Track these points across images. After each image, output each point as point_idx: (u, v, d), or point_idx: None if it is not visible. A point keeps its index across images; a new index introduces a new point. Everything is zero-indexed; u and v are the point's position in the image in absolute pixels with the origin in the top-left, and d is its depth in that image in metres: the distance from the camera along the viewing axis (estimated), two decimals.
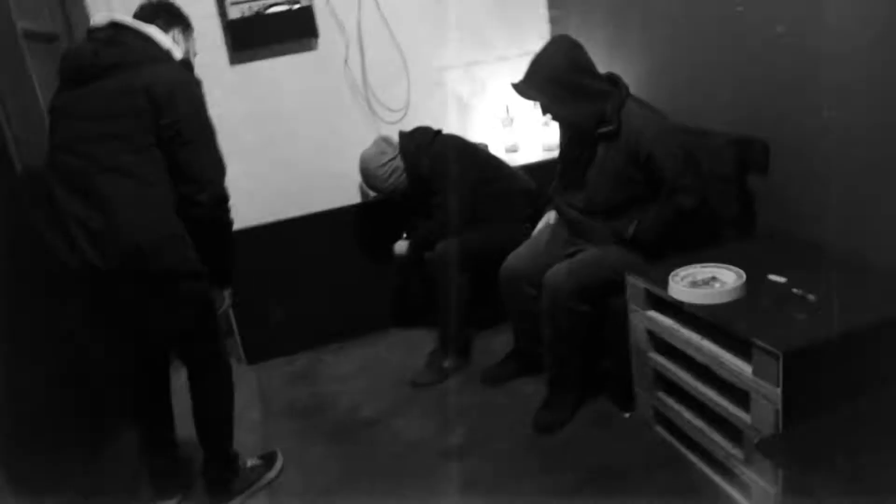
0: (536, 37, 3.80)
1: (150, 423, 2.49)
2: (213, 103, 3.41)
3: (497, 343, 3.22)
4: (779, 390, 1.86)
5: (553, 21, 3.80)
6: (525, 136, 3.79)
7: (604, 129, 2.55)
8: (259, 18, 3.39)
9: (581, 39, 2.58)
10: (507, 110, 3.76)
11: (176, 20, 2.35)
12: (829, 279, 2.15)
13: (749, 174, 2.63)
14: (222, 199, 2.19)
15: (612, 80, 2.62)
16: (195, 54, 2.46)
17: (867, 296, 2.05)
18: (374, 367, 3.29)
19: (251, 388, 3.30)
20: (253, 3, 3.37)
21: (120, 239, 2.02)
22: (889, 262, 2.15)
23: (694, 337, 2.20)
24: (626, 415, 2.64)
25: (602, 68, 2.63)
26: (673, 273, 2.28)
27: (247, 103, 3.55)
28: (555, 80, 2.49)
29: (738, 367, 2.01)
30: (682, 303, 2.20)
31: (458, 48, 3.74)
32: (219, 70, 3.48)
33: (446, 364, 3.08)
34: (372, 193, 3.43)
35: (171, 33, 2.29)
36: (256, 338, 3.48)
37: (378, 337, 3.57)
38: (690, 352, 2.22)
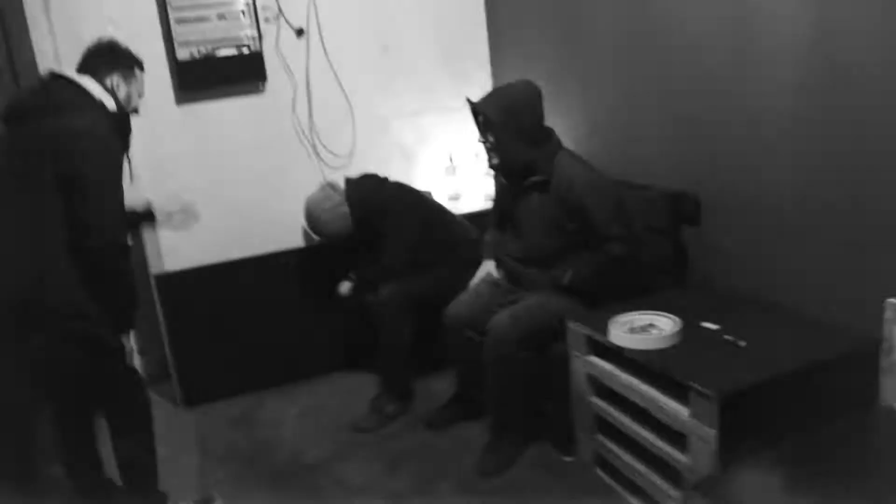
0: (479, 89, 3.91)
1: (76, 464, 2.46)
2: (158, 142, 3.45)
3: (438, 387, 3.25)
4: (714, 432, 1.96)
5: (495, 75, 3.94)
6: (468, 184, 3.89)
7: (535, 179, 2.67)
8: (208, 60, 3.41)
9: None
10: (451, 159, 3.86)
11: (117, 64, 2.36)
12: (758, 326, 2.29)
13: (681, 226, 2.77)
14: (114, 246, 2.18)
15: (546, 132, 2.75)
16: (140, 95, 2.49)
17: (794, 341, 2.19)
18: (317, 412, 3.27)
19: (189, 431, 3.23)
20: (202, 45, 3.39)
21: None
22: (812, 312, 2.30)
23: (633, 381, 2.29)
24: (568, 458, 2.70)
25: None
26: (612, 319, 2.37)
27: (192, 143, 3.54)
28: (511, 112, 2.62)
29: (676, 409, 2.10)
30: (621, 348, 2.30)
31: (403, 97, 3.84)
32: (165, 109, 3.47)
33: (389, 408, 3.09)
34: (316, 238, 3.45)
35: (110, 78, 2.32)
36: (194, 380, 3.42)
37: (320, 381, 3.55)
38: (630, 395, 2.31)
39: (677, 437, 2.13)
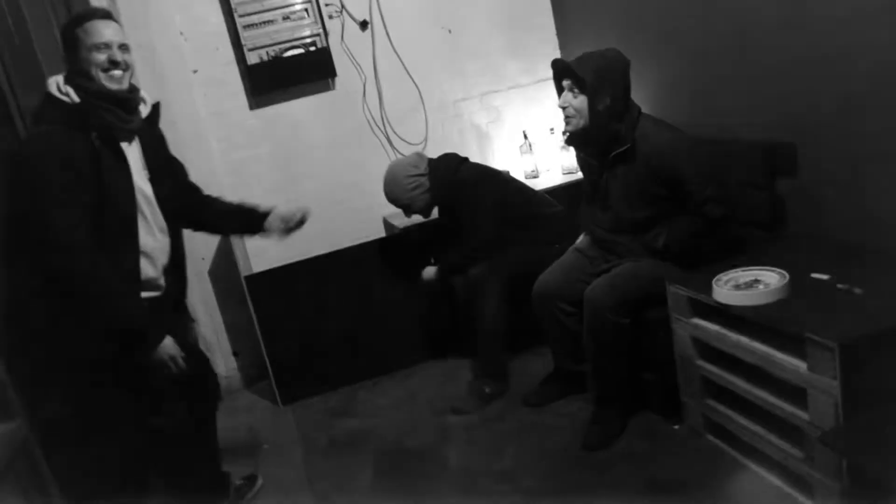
0: (547, 65, 3.85)
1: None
2: (236, 147, 3.52)
3: (534, 364, 3.20)
4: (837, 383, 1.86)
5: (563, 47, 3.86)
6: (544, 160, 3.83)
7: (618, 150, 2.59)
8: (277, 62, 3.45)
9: None
10: (525, 136, 3.80)
11: (65, 46, 2.11)
12: (872, 273, 2.16)
13: (777, 177, 2.66)
14: (69, 273, 2.02)
15: (631, 104, 2.66)
16: (99, 46, 2.07)
17: None
18: (413, 399, 3.27)
19: (289, 427, 3.28)
20: (270, 48, 3.44)
21: None
22: None
23: (743, 339, 2.20)
24: (675, 426, 2.62)
25: None
26: (716, 278, 2.29)
27: (268, 146, 3.61)
28: (605, 76, 2.53)
29: (793, 364, 2.01)
30: (728, 306, 2.21)
31: (471, 79, 3.81)
32: (240, 115, 3.55)
33: (487, 390, 3.07)
34: (391, 221, 3.43)
35: (70, 63, 2.10)
36: (290, 378, 3.47)
37: (412, 370, 3.55)
38: (740, 355, 2.22)
39: (795, 394, 2.04)
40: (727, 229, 2.59)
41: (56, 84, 2.08)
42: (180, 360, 2.18)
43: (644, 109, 2.70)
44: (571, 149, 3.67)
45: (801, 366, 1.98)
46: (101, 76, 2.07)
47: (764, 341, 2.15)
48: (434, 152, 3.56)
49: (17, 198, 2.04)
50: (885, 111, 2.21)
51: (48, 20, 3.05)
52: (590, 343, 2.59)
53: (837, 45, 2.30)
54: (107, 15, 2.14)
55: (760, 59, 2.63)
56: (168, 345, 2.15)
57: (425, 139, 3.76)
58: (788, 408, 2.08)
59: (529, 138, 3.81)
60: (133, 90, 2.19)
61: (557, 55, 3.87)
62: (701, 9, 2.85)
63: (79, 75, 2.07)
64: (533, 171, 3.80)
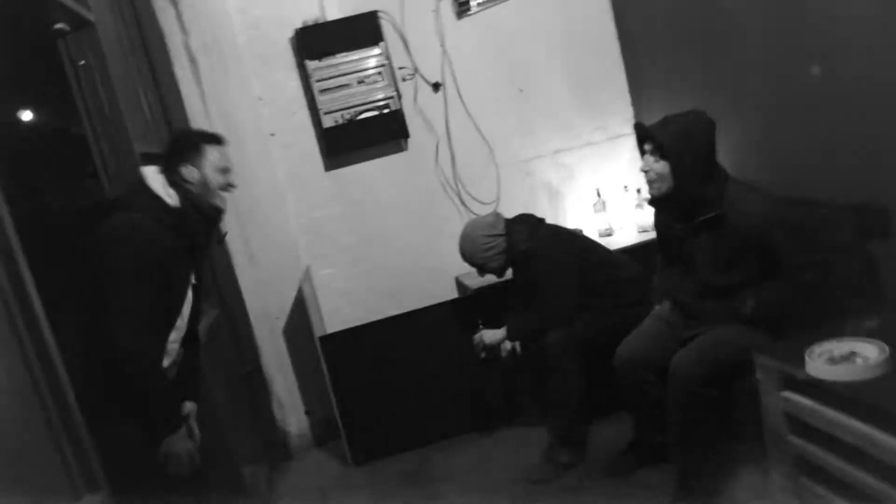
0: (621, 121, 3.84)
1: None
2: (311, 207, 3.58)
3: (612, 433, 3.10)
4: None
5: (636, 104, 3.82)
6: (618, 218, 3.77)
7: (707, 215, 2.51)
8: (351, 125, 3.51)
9: None
10: (599, 194, 3.76)
11: (182, 152, 2.27)
12: None
13: (870, 240, 2.54)
14: (122, 353, 2.07)
15: (718, 166, 2.60)
16: (225, 170, 2.30)
17: None
18: (487, 466, 3.20)
19: (361, 488, 3.25)
20: (345, 112, 3.50)
21: None
22: None
23: (840, 417, 2.08)
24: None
25: None
26: (808, 350, 2.17)
27: (342, 206, 3.66)
28: (688, 140, 2.48)
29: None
30: (822, 381, 2.09)
31: (543, 137, 3.80)
32: (315, 177, 3.61)
33: (563, 458, 2.98)
34: (463, 281, 3.41)
35: (180, 170, 2.23)
36: (362, 438, 3.44)
37: (485, 435, 3.47)
38: (836, 433, 2.09)
39: None
40: (818, 296, 2.48)
41: (162, 184, 2.22)
42: (186, 459, 2.16)
43: (730, 167, 2.63)
44: (646, 206, 3.63)
45: None
46: (218, 195, 2.27)
47: (864, 419, 2.02)
48: (506, 211, 3.54)
49: (98, 274, 2.12)
50: None
51: (138, 99, 3.20)
52: (676, 415, 2.49)
53: None
54: (224, 141, 2.36)
55: (846, 113, 2.54)
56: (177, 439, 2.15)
57: (497, 198, 3.75)
58: (891, 492, 1.94)
59: (603, 196, 3.76)
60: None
61: (630, 112, 3.84)
62: (781, 63, 2.78)
63: (190, 184, 2.22)
64: (607, 229, 3.74)
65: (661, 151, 2.53)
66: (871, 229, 2.51)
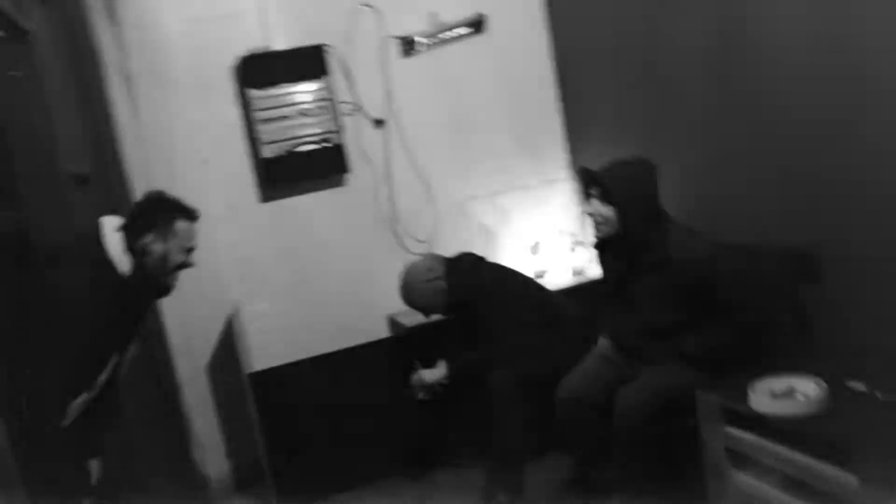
0: (556, 166, 3.93)
1: None
2: (243, 241, 3.48)
3: (547, 473, 3.08)
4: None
5: (573, 151, 3.92)
6: (553, 261, 3.82)
7: (651, 258, 2.59)
8: (291, 157, 3.45)
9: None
10: (534, 238, 3.81)
11: (154, 221, 2.18)
12: None
13: (802, 284, 2.65)
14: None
15: (661, 210, 2.69)
16: (190, 248, 2.25)
17: None
18: None
19: None
20: (285, 143, 3.44)
21: None
22: None
23: (783, 450, 2.14)
24: None
25: None
26: (751, 385, 2.24)
27: (276, 240, 3.56)
28: (634, 185, 2.58)
29: (840, 477, 1.94)
30: (767, 416, 2.15)
31: (481, 179, 3.84)
32: (249, 208, 3.52)
33: (502, 498, 2.93)
34: (398, 320, 3.36)
35: (144, 237, 2.14)
36: (291, 480, 3.29)
37: (419, 477, 3.38)
38: (780, 466, 2.15)
39: None
40: (755, 336, 2.57)
41: (119, 246, 2.10)
42: None
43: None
44: (580, 249, 3.71)
45: (852, 480, 1.91)
46: (171, 272, 2.21)
47: (804, 452, 2.09)
48: (442, 250, 3.53)
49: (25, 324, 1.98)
50: None
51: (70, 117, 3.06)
52: (620, 450, 2.51)
53: (863, 151, 2.36)
54: (194, 216, 2.27)
55: (785, 162, 2.68)
56: None
57: (433, 237, 3.74)
58: None
59: (538, 239, 3.81)
60: None
61: (565, 158, 3.94)
62: (723, 111, 2.91)
63: (150, 256, 2.14)
64: (541, 271, 3.78)
65: (607, 196, 2.61)
66: (803, 274, 2.63)
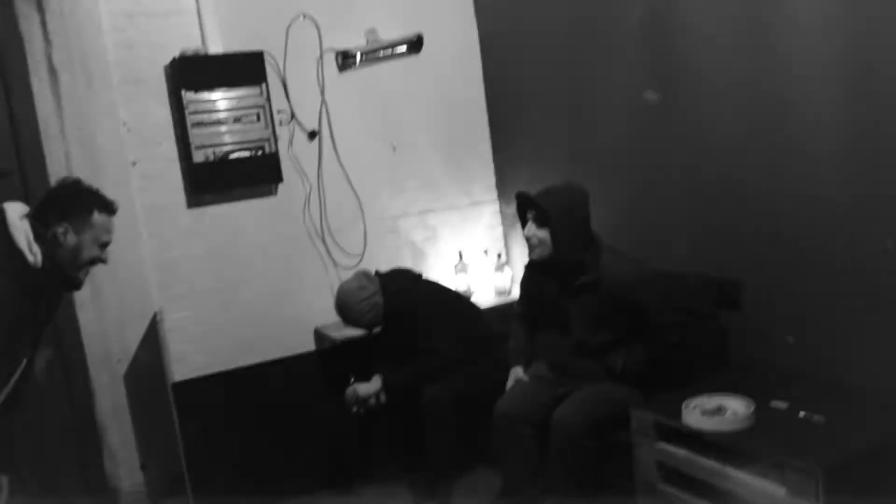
0: (483, 188, 4.04)
1: None
2: (168, 245, 3.36)
3: (474, 485, 3.13)
4: None
5: (499, 174, 4.04)
6: (478, 281, 3.91)
7: (585, 280, 2.72)
8: (222, 163, 3.37)
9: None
10: (461, 256, 3.88)
11: (68, 211, 2.05)
12: (825, 402, 2.33)
13: (722, 309, 2.85)
14: None
15: (593, 236, 2.82)
16: (102, 243, 2.11)
17: (866, 414, 2.24)
18: None
19: None
20: (217, 148, 3.36)
21: None
22: (863, 383, 2.38)
23: (715, 465, 2.28)
24: None
25: None
26: (685, 403, 2.38)
27: (202, 247, 3.47)
28: (570, 209, 2.69)
29: (770, 489, 2.10)
30: (700, 432, 2.30)
31: (411, 196, 3.88)
32: (176, 213, 3.41)
33: None
34: (324, 332, 3.34)
35: (57, 227, 2.02)
36: (209, 495, 3.18)
37: (343, 490, 3.34)
38: (712, 480, 2.28)
39: None
40: (680, 355, 2.73)
41: (26, 234, 1.94)
42: None
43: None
44: (505, 270, 3.81)
45: (780, 490, 2.06)
46: (85, 268, 2.08)
47: (734, 466, 2.24)
48: (371, 265, 3.55)
49: None
50: (829, 253, 2.47)
51: None
52: (556, 464, 2.59)
53: (781, 186, 2.57)
54: (116, 211, 2.16)
55: (708, 194, 2.87)
56: None
57: (363, 252, 3.74)
58: None
59: (464, 258, 3.89)
60: None
61: (493, 181, 4.05)
62: (648, 141, 3.08)
63: (61, 247, 2.01)
64: (466, 290, 3.86)
65: (543, 219, 2.72)
66: (724, 300, 2.82)
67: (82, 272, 2.09)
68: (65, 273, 2.05)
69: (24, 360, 2.04)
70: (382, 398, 3.10)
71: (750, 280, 2.72)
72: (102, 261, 2.12)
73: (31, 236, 1.96)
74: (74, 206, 2.06)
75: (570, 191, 2.79)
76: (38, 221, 2.00)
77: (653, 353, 2.69)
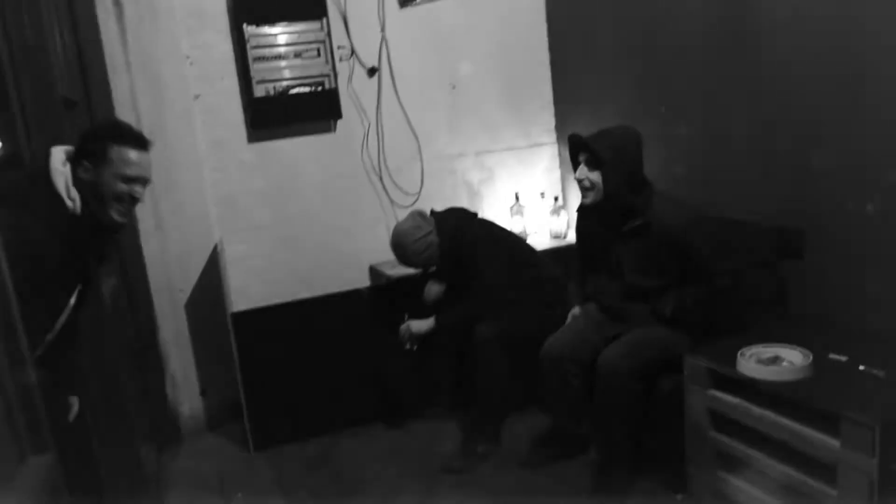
0: (542, 130, 3.97)
1: None
2: (230, 179, 3.42)
3: (524, 426, 3.17)
4: (875, 461, 1.92)
5: (559, 116, 3.96)
6: (533, 223, 3.88)
7: (635, 223, 2.68)
8: (283, 98, 3.39)
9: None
10: (517, 198, 3.85)
11: (86, 149, 1.95)
12: (885, 356, 2.27)
13: (784, 259, 2.78)
14: None
15: (644, 179, 2.77)
16: (130, 178, 1.94)
17: None
18: (399, 454, 3.16)
19: (266, 476, 3.11)
20: (278, 83, 3.38)
21: None
22: None
23: (769, 414, 2.26)
24: (679, 496, 2.63)
25: None
26: (741, 352, 2.35)
27: (262, 182, 3.52)
28: (621, 152, 2.65)
29: (823, 441, 2.07)
30: (755, 380, 2.27)
31: (469, 136, 3.85)
32: (237, 148, 3.45)
33: (480, 448, 3.01)
34: (380, 269, 3.38)
35: (79, 168, 1.92)
36: (267, 422, 3.30)
37: (393, 425, 3.42)
38: (764, 429, 2.27)
39: (821, 471, 2.10)
40: (732, 302, 2.69)
41: (66, 179, 1.88)
42: None
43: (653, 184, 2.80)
44: (562, 214, 3.78)
45: (833, 443, 2.04)
46: (114, 206, 1.93)
47: (788, 416, 2.21)
48: (427, 205, 3.55)
49: None
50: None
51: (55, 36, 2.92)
52: (601, 407, 2.61)
53: (852, 135, 2.46)
54: (145, 145, 1.99)
55: (776, 141, 2.77)
56: None
57: (419, 191, 3.75)
58: (815, 484, 2.13)
59: (520, 200, 3.86)
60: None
61: (552, 123, 3.98)
62: (716, 84, 2.98)
63: (89, 188, 1.91)
64: (521, 233, 3.84)
65: (595, 162, 2.67)
66: (786, 249, 2.75)
67: (114, 211, 1.94)
68: (94, 214, 1.93)
69: (74, 296, 1.99)
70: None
71: (813, 231, 2.65)
72: (134, 198, 1.96)
73: (71, 181, 1.90)
74: (90, 142, 1.97)
75: (624, 134, 2.73)
76: (72, 165, 1.94)
77: (703, 297, 2.65)
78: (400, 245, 3.15)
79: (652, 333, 2.68)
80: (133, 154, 1.94)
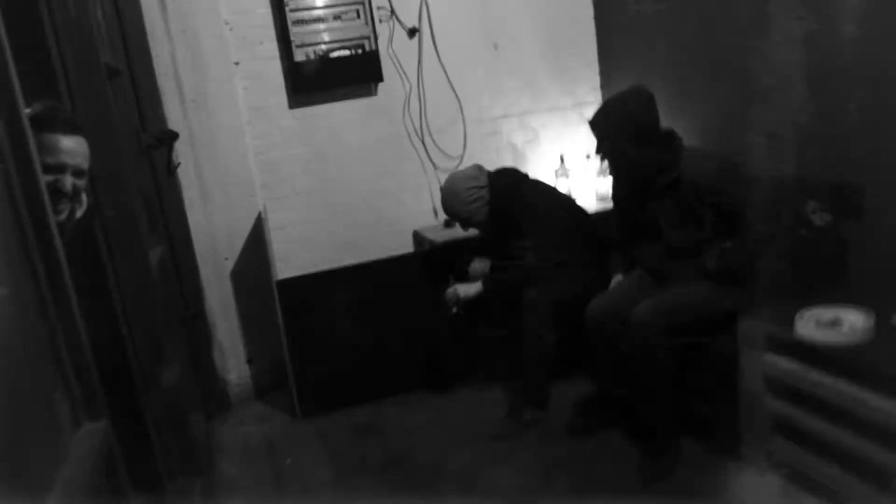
0: (588, 89, 3.86)
1: None
2: (272, 145, 3.40)
3: (571, 393, 3.13)
4: None
5: (604, 74, 3.85)
6: (579, 185, 3.80)
7: (663, 180, 2.61)
8: (323, 62, 3.34)
9: None
10: (562, 160, 3.76)
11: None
12: None
13: (841, 217, 2.66)
14: None
15: (670, 135, 2.69)
16: (51, 167, 1.55)
17: None
18: (445, 421, 3.14)
19: (314, 443, 3.13)
20: (318, 47, 3.33)
21: None
22: None
23: (829, 380, 2.17)
24: (734, 462, 2.57)
25: (662, 120, 2.68)
26: (798, 315, 2.26)
27: (304, 147, 3.50)
28: (623, 122, 2.59)
29: (886, 406, 1.98)
30: (814, 343, 2.19)
31: (513, 97, 3.76)
32: (278, 113, 3.43)
33: (527, 415, 2.98)
34: (423, 234, 3.33)
35: None
36: (313, 389, 3.31)
37: (439, 392, 3.40)
38: (825, 395, 2.19)
39: (886, 438, 2.01)
40: (775, 256, 2.59)
41: None
42: None
43: (694, 140, 2.70)
44: (608, 175, 3.68)
45: None
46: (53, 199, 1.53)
47: (848, 381, 2.12)
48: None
49: None
50: None
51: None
52: (634, 364, 2.56)
53: None
54: (72, 129, 1.66)
55: (832, 96, 2.64)
56: None
57: (462, 154, 3.69)
58: (879, 452, 2.05)
59: (566, 162, 3.77)
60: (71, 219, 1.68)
61: (597, 81, 3.87)
62: (758, 40, 2.85)
63: None
64: (567, 195, 3.75)
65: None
66: (844, 206, 2.63)
67: (61, 205, 1.61)
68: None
69: None
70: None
71: (876, 188, 2.52)
72: (58, 189, 1.60)
73: None
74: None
75: (625, 99, 2.66)
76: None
77: (745, 246, 2.55)
78: (451, 191, 3.09)
79: (693, 289, 2.61)
80: (57, 140, 1.61)
